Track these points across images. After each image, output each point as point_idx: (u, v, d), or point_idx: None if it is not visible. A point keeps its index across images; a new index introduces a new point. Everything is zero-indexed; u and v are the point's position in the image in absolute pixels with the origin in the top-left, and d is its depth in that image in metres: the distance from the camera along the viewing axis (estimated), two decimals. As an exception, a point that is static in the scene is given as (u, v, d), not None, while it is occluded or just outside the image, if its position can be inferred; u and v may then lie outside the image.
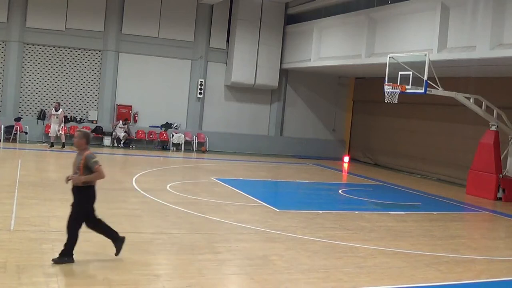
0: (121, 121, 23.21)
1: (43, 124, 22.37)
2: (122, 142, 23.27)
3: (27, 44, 22.38)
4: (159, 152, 22.84)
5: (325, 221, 11.03)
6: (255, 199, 12.97)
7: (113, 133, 23.19)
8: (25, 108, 22.61)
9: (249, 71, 24.56)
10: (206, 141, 24.38)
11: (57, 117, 20.38)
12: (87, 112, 23.36)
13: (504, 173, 16.33)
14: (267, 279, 6.95)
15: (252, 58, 24.52)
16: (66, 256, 6.82)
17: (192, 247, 8.13)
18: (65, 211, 9.91)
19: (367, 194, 15.70)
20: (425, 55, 14.88)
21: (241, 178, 16.96)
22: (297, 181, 17.91)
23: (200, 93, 24.53)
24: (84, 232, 8.51)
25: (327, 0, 22.32)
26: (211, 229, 9.50)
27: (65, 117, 21.40)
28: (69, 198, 11.15)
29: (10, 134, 21.32)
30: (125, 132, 23.21)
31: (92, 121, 23.23)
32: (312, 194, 15.45)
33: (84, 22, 22.65)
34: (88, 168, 7.02)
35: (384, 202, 14.36)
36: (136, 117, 23.72)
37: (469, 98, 16.00)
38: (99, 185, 13.04)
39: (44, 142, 21.63)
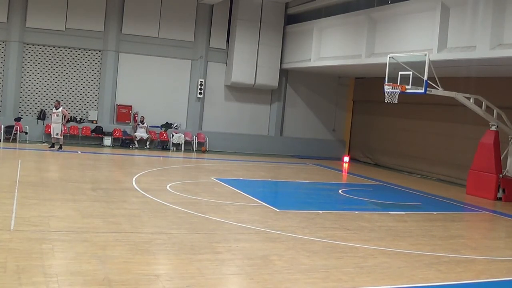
0: (139, 122, 23.27)
1: (43, 124, 22.38)
2: (147, 143, 23.32)
3: (27, 44, 22.39)
4: (159, 152, 22.85)
5: (325, 221, 11.03)
6: (255, 199, 12.97)
7: (135, 135, 23.22)
8: (25, 108, 22.62)
9: (249, 71, 24.57)
10: (206, 141, 24.39)
11: (57, 115, 20.28)
12: (87, 112, 23.36)
13: (504, 173, 16.33)
14: (267, 279, 6.95)
15: (252, 58, 24.52)
16: None
17: (192, 247, 8.13)
18: (65, 211, 9.95)
19: (367, 194, 15.70)
20: (425, 55, 14.87)
21: (241, 178, 16.95)
22: (297, 181, 17.91)
23: (200, 93, 24.53)
24: (83, 232, 8.52)
25: (327, 0, 22.32)
26: (211, 229, 9.49)
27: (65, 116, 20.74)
28: (69, 198, 11.19)
29: (10, 134, 21.32)
30: (146, 132, 23.36)
31: (92, 121, 23.23)
32: (312, 194, 15.44)
33: (84, 22, 22.65)
34: None
35: (384, 202, 14.35)
36: (136, 116, 23.71)
37: (469, 98, 16.00)
38: (100, 185, 13.11)
39: (44, 142, 21.64)
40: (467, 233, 11.85)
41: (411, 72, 15.08)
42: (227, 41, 24.94)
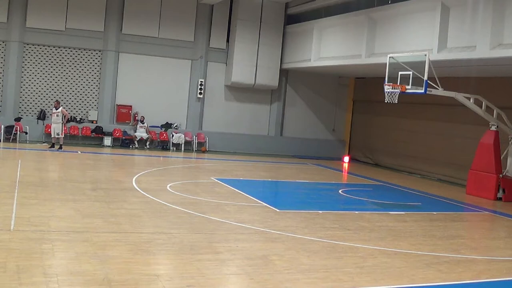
0: (139, 120, 23.30)
1: (43, 124, 22.38)
2: (147, 143, 23.32)
3: (27, 44, 22.39)
4: (159, 152, 22.84)
5: (325, 221, 11.03)
6: (255, 199, 12.97)
7: (134, 135, 23.23)
8: (25, 108, 22.61)
9: (249, 71, 24.57)
10: (206, 141, 24.39)
11: (57, 115, 20.29)
12: (87, 112, 23.36)
13: (504, 173, 16.33)
14: (267, 279, 6.95)
15: (252, 58, 24.52)
16: None
17: (192, 247, 8.13)
18: (65, 211, 9.95)
19: (367, 194, 15.70)
20: (425, 55, 14.86)
21: (241, 178, 16.95)
22: (297, 181, 17.90)
23: (200, 93, 24.53)
24: (83, 232, 8.53)
25: (327, 0, 22.32)
26: (211, 229, 9.49)
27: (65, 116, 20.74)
28: (69, 198, 11.19)
29: (10, 134, 21.32)
30: (146, 132, 23.37)
31: (92, 121, 23.24)
32: (312, 194, 15.44)
33: (84, 22, 22.65)
34: None
35: (384, 202, 14.35)
36: (136, 116, 23.70)
37: (469, 98, 16.00)
38: (100, 185, 13.11)
39: (44, 142, 21.64)
40: (467, 233, 11.86)
41: (411, 72, 15.07)
42: (227, 41, 24.93)
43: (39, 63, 22.62)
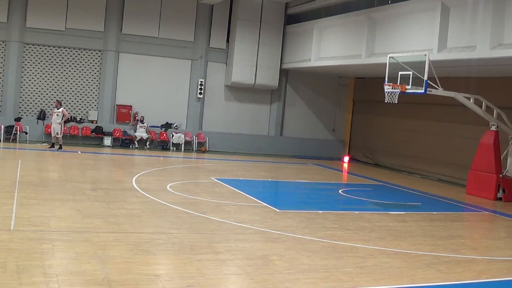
0: (139, 120, 23.30)
1: (43, 124, 22.38)
2: (147, 143, 23.31)
3: (27, 44, 22.39)
4: (159, 152, 22.85)
5: (325, 221, 11.03)
6: (255, 199, 12.97)
7: (134, 135, 23.22)
8: (25, 108, 22.61)
9: (249, 71, 24.57)
10: (206, 141, 24.39)
11: (57, 115, 20.30)
12: (87, 112, 23.36)
13: (504, 173, 16.33)
14: (267, 279, 6.95)
15: (252, 58, 24.52)
16: None
17: (192, 247, 8.13)
18: (65, 211, 9.95)
19: (367, 194, 15.70)
20: (425, 55, 14.87)
21: (241, 178, 16.95)
22: (297, 181, 17.90)
23: (200, 93, 24.54)
24: (83, 232, 8.53)
25: (327, 0, 22.32)
26: (211, 229, 9.49)
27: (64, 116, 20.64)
28: (69, 198, 11.19)
29: (10, 134, 21.32)
30: (146, 132, 23.36)
31: (92, 121, 23.24)
32: (312, 194, 15.45)
33: (84, 22, 22.65)
34: None
35: (384, 202, 14.35)
36: (136, 116, 23.70)
37: (469, 98, 16.00)
38: (100, 185, 13.11)
39: (44, 142, 21.64)
40: (467, 233, 11.86)
41: (411, 72, 15.07)
42: (227, 41, 24.93)
43: (39, 63, 22.61)
